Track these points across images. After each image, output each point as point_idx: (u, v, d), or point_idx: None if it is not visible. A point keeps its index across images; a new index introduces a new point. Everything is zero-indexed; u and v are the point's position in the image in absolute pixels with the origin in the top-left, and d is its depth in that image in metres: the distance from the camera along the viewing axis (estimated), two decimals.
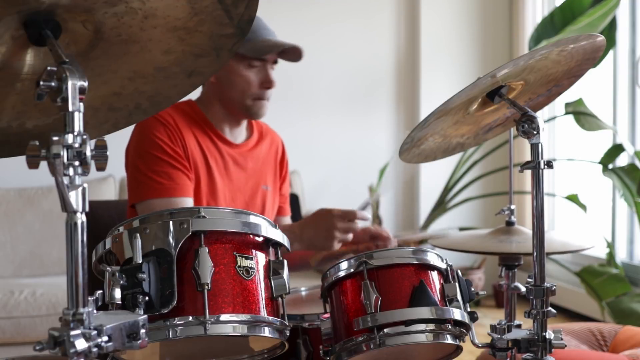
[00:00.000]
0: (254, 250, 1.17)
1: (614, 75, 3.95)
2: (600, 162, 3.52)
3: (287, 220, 2.11)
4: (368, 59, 4.58)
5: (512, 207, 1.73)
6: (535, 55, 1.27)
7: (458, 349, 1.30)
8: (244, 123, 1.95)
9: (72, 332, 0.86)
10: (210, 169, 1.83)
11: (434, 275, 1.28)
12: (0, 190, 3.76)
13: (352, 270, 1.25)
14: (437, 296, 1.25)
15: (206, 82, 1.87)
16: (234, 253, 1.14)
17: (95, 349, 0.88)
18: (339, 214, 1.70)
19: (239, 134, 1.94)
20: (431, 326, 1.21)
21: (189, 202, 1.76)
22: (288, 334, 1.19)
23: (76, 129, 0.88)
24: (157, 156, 1.76)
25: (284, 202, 2.08)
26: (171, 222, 1.10)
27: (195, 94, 1.53)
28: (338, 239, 1.71)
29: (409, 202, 4.66)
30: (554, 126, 4.41)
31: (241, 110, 1.87)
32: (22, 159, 0.93)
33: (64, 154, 0.87)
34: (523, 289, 1.38)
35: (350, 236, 1.73)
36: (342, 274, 1.27)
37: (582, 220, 4.08)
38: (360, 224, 1.75)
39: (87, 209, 0.88)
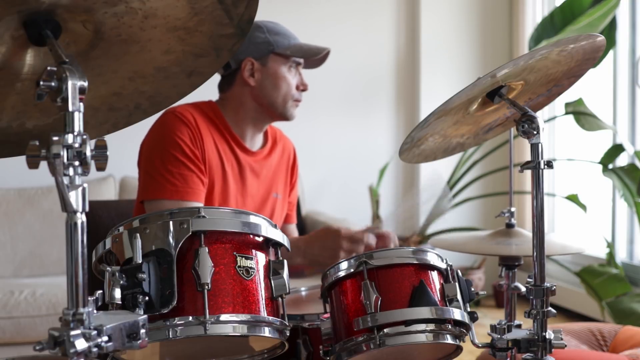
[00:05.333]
0: (254, 250, 1.17)
1: (614, 75, 3.95)
2: (600, 162, 3.52)
3: (293, 227, 2.11)
4: (368, 59, 4.57)
5: (512, 209, 1.72)
6: (535, 55, 1.27)
7: (458, 349, 1.30)
8: (264, 129, 1.95)
9: (72, 332, 0.86)
10: (225, 174, 1.83)
11: (434, 275, 1.27)
12: (0, 190, 3.76)
13: (352, 270, 1.25)
14: (437, 296, 1.25)
15: (234, 85, 1.88)
16: (234, 253, 1.14)
17: (95, 349, 0.88)
18: (347, 235, 1.68)
19: (257, 141, 1.94)
20: (431, 326, 1.21)
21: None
22: (288, 334, 1.19)
23: (76, 129, 0.88)
24: (175, 156, 1.75)
25: (290, 209, 2.07)
26: (171, 222, 1.10)
27: (201, 95, 1.51)
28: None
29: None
30: (554, 126, 4.41)
31: (280, 113, 1.88)
32: (22, 159, 0.93)
33: (64, 154, 0.87)
34: (523, 289, 1.38)
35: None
36: (342, 274, 1.27)
37: (582, 220, 4.08)
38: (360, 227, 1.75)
39: (87, 209, 0.87)
